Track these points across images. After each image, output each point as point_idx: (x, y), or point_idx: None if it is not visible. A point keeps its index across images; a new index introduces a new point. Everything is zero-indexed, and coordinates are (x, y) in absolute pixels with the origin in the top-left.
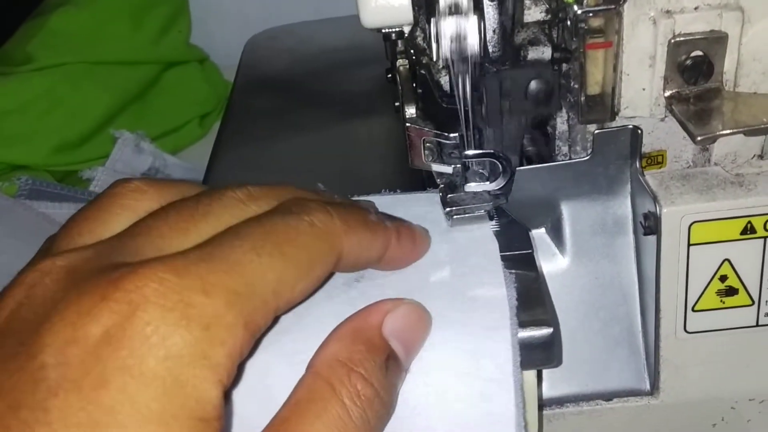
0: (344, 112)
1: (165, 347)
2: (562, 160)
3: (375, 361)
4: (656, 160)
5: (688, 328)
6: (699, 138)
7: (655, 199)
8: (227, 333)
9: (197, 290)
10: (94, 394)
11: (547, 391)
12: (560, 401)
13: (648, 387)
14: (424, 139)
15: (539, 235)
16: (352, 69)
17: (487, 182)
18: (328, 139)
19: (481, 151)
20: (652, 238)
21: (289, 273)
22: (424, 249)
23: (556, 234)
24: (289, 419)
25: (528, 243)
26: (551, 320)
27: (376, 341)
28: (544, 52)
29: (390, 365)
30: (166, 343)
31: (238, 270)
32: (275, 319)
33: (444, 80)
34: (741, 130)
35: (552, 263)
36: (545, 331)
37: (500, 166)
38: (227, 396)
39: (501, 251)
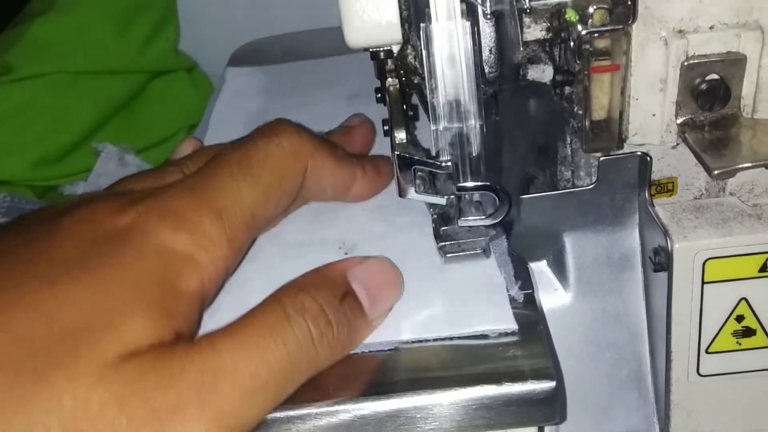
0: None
1: (161, 243)
2: (565, 188)
3: (329, 290)
4: (666, 187)
5: (701, 371)
6: (716, 172)
7: (666, 234)
8: (211, 242)
9: (189, 208)
10: (98, 260)
11: None
12: None
13: None
14: (414, 168)
15: (540, 268)
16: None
17: (483, 216)
18: None
19: (476, 183)
20: (663, 275)
21: (261, 194)
22: (389, 180)
23: (559, 267)
24: (236, 323)
25: (528, 282)
26: (554, 371)
27: (337, 278)
28: (545, 71)
29: (348, 301)
30: (162, 240)
31: (220, 194)
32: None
33: (437, 101)
34: (762, 163)
35: (554, 298)
36: (547, 384)
37: (497, 199)
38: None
39: None
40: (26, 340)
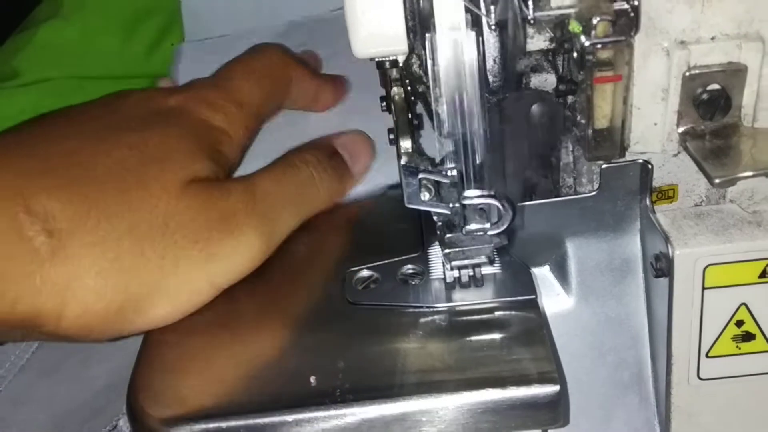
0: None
1: (203, 119)
2: (567, 194)
3: (321, 150)
4: (667, 194)
5: (701, 375)
6: (717, 181)
7: (667, 240)
8: (237, 122)
9: (218, 97)
10: (162, 122)
11: None
12: None
13: None
14: (420, 177)
15: (543, 273)
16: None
17: (487, 224)
18: None
19: (480, 193)
20: (664, 281)
21: (265, 93)
22: (345, 91)
23: (561, 272)
24: (260, 170)
25: (531, 287)
26: (557, 375)
27: (325, 144)
28: (547, 79)
29: (335, 158)
30: (205, 117)
31: (237, 90)
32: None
33: (441, 110)
34: (762, 172)
35: (556, 303)
36: (551, 388)
37: (501, 208)
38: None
39: (502, 296)
40: (129, 157)
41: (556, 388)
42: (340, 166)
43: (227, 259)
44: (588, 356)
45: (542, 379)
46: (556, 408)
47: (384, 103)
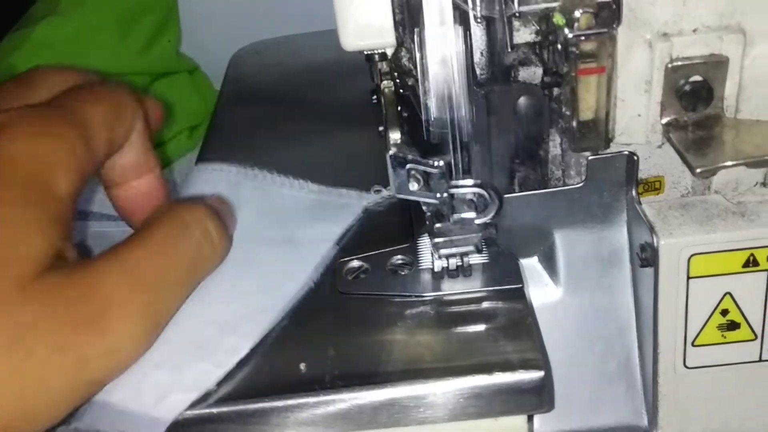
0: (331, 125)
1: (28, 148)
2: (555, 186)
3: (201, 204)
4: (653, 186)
5: (687, 363)
6: (699, 170)
7: (652, 230)
8: (69, 146)
9: (57, 116)
10: None
11: (538, 429)
12: None
13: (646, 424)
14: (408, 168)
15: (531, 264)
16: (339, 82)
17: (475, 213)
18: (315, 152)
19: (468, 182)
20: (650, 270)
21: (112, 117)
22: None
23: (549, 263)
24: (140, 233)
25: (518, 277)
26: (542, 362)
27: (200, 201)
28: (536, 73)
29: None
30: (35, 146)
31: (78, 109)
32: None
33: (430, 102)
34: (743, 161)
35: (544, 293)
36: (536, 374)
37: (488, 197)
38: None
39: (489, 285)
40: None
41: (541, 373)
42: (222, 225)
43: (107, 358)
44: (576, 346)
45: (527, 365)
46: (541, 393)
47: (375, 96)
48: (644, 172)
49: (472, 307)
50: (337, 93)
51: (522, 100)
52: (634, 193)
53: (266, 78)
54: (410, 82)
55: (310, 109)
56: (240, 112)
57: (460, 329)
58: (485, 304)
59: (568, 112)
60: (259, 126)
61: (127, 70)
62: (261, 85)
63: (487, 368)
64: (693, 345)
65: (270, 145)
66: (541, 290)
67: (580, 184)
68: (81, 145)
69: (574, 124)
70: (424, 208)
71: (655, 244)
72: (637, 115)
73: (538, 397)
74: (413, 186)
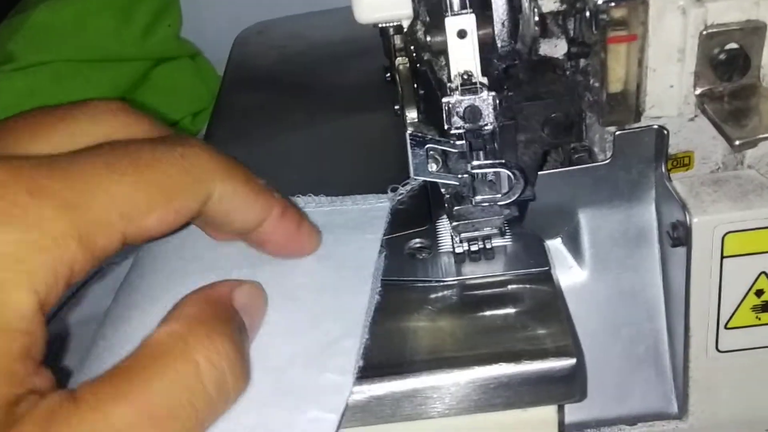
0: (337, 107)
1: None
2: (578, 163)
3: (231, 327)
4: (682, 162)
5: (720, 347)
6: (738, 142)
7: (684, 208)
8: (52, 241)
9: (23, 191)
10: None
11: (565, 416)
12: (580, 427)
13: (676, 410)
14: (427, 148)
15: (555, 245)
16: (345, 63)
17: (498, 194)
18: (321, 135)
19: (490, 161)
20: (681, 250)
21: (143, 196)
22: (308, 242)
23: (574, 244)
24: (130, 369)
25: (545, 259)
26: (574, 349)
27: (230, 309)
28: (557, 45)
29: (242, 335)
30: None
31: (79, 179)
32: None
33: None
34: None
35: (569, 276)
36: (567, 362)
37: (512, 177)
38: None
39: (514, 268)
40: None
41: (573, 361)
42: (243, 342)
43: None
44: (602, 330)
45: (558, 352)
46: (573, 382)
47: (388, 74)
48: (673, 147)
49: (497, 291)
50: (343, 74)
51: (545, 74)
52: (663, 169)
53: (270, 60)
54: (426, 56)
55: (317, 92)
56: (244, 96)
57: (485, 315)
58: (511, 288)
59: (596, 84)
60: (264, 110)
61: (127, 56)
62: (265, 67)
63: (515, 356)
64: (726, 327)
65: (276, 129)
66: (566, 273)
67: (607, 161)
68: (62, 231)
69: (603, 96)
70: (442, 190)
71: (688, 223)
72: (669, 86)
73: (569, 386)
74: (432, 167)
